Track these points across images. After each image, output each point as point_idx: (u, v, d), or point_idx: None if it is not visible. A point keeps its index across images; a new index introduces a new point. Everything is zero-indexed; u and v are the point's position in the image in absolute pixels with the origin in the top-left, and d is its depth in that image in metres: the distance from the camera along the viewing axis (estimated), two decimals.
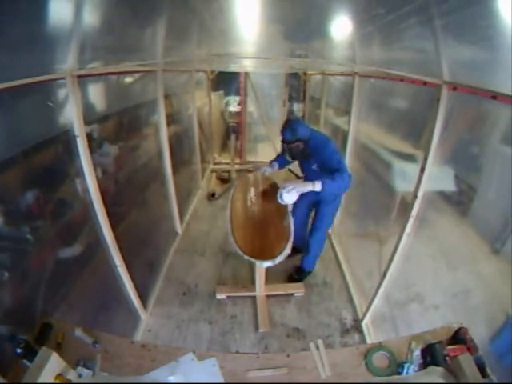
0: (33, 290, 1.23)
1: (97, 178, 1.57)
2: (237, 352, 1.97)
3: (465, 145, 1.54)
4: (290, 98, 5.23)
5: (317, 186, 1.86)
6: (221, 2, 1.58)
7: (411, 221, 1.64)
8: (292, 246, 1.83)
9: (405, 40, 1.61)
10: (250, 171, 3.76)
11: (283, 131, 2.04)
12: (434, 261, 1.67)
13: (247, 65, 3.76)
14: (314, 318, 2.27)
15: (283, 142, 2.08)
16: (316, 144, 2.04)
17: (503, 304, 1.17)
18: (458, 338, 1.13)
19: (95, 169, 1.56)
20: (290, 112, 5.54)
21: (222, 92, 5.57)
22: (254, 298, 2.39)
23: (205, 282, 2.59)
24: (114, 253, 1.74)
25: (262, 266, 1.99)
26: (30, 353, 0.93)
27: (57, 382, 0.89)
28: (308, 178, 2.20)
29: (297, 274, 2.61)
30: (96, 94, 1.85)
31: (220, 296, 2.40)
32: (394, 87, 2.16)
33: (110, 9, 1.37)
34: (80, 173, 1.49)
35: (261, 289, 2.37)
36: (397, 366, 1.10)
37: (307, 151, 2.07)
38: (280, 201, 1.95)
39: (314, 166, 2.10)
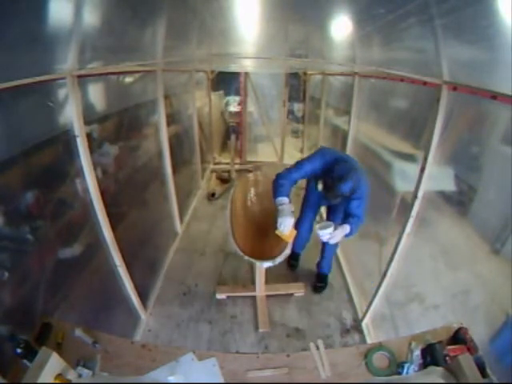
0: (33, 290, 1.23)
1: (97, 177, 1.57)
2: (237, 352, 1.97)
3: (465, 145, 1.54)
4: (290, 98, 5.23)
5: (348, 230, 1.81)
6: (221, 2, 1.58)
7: (411, 221, 1.64)
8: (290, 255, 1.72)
9: (405, 40, 1.62)
10: (249, 171, 3.76)
11: (344, 180, 1.67)
12: (434, 261, 1.67)
13: (247, 65, 3.77)
14: (314, 318, 2.27)
15: (330, 181, 1.72)
16: (358, 195, 1.83)
17: (503, 304, 1.17)
18: (458, 337, 1.13)
19: (95, 169, 1.56)
20: (290, 112, 5.55)
21: (222, 92, 5.58)
22: (253, 297, 2.39)
23: (205, 281, 2.59)
24: (114, 253, 1.74)
25: (262, 266, 1.99)
26: (30, 353, 0.92)
27: (57, 381, 0.89)
28: (316, 200, 2.23)
29: (320, 282, 2.53)
30: (96, 94, 1.85)
31: (220, 296, 2.40)
32: (394, 87, 2.16)
33: (110, 9, 1.37)
34: (80, 173, 1.49)
35: (261, 289, 2.37)
36: (397, 366, 1.10)
37: (337, 198, 1.81)
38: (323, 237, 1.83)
39: (335, 202, 1.90)
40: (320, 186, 1.82)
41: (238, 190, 2.51)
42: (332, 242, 1.82)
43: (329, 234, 1.77)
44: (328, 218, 2.23)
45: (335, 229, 1.77)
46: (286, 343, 2.08)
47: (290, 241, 1.84)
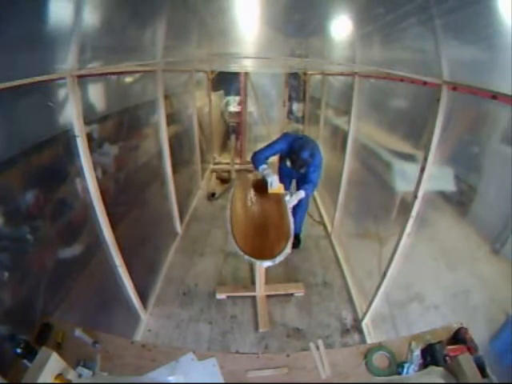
0: (33, 290, 1.23)
1: (97, 178, 1.57)
2: (237, 352, 1.97)
3: (465, 145, 1.54)
4: (290, 98, 5.23)
5: (303, 194, 2.46)
6: (221, 2, 1.58)
7: (411, 221, 1.64)
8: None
9: (405, 40, 1.61)
10: (249, 171, 3.77)
11: (303, 150, 2.36)
12: (434, 261, 1.67)
13: (247, 65, 3.76)
14: (314, 318, 2.27)
15: (295, 154, 2.38)
16: (314, 163, 2.48)
17: (503, 304, 1.17)
18: (458, 338, 1.13)
19: (95, 169, 1.56)
20: (290, 112, 5.55)
21: (221, 92, 5.57)
22: (253, 297, 2.39)
23: (205, 281, 2.59)
24: (114, 253, 1.74)
25: (262, 265, 1.99)
26: (30, 353, 0.92)
27: (57, 381, 0.89)
28: (288, 174, 2.74)
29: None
30: (96, 93, 1.85)
31: (220, 296, 2.40)
32: (394, 87, 2.16)
33: (110, 9, 1.37)
34: (80, 173, 1.49)
35: (261, 289, 2.37)
36: (397, 366, 1.10)
37: (306, 166, 2.47)
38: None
39: (302, 171, 2.52)
40: (288, 163, 2.54)
41: (238, 190, 2.51)
42: (290, 205, 2.32)
43: (286, 201, 2.28)
44: (297, 187, 2.74)
45: (290, 196, 2.37)
46: (286, 343, 2.08)
47: (282, 192, 2.36)
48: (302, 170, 2.47)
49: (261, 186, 2.55)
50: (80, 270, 1.54)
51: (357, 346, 1.31)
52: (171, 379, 1.07)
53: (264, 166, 2.43)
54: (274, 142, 2.62)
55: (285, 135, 2.69)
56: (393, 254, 1.76)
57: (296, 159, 2.40)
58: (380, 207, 2.29)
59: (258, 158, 2.48)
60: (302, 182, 2.58)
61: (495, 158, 1.34)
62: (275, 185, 2.33)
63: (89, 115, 1.56)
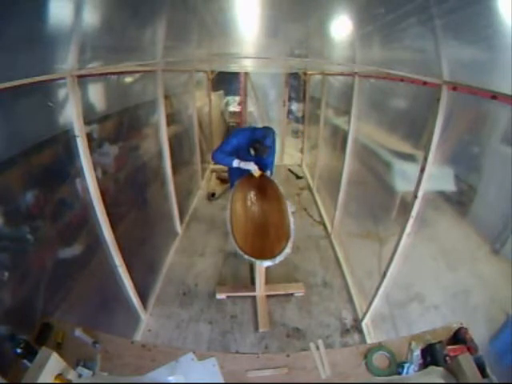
0: (33, 290, 1.23)
1: (97, 178, 1.57)
2: (237, 352, 1.97)
3: (465, 145, 1.54)
4: (290, 98, 5.24)
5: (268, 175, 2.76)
6: (221, 2, 1.58)
7: (411, 221, 1.64)
8: None
9: (405, 40, 1.62)
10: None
11: (267, 137, 2.51)
12: (434, 261, 1.67)
13: (247, 65, 3.77)
14: (314, 318, 2.27)
15: (258, 143, 2.55)
16: (273, 148, 2.77)
17: (503, 304, 1.17)
18: (458, 338, 1.13)
19: (95, 169, 1.56)
20: (290, 112, 5.56)
21: (221, 92, 5.58)
22: (253, 297, 2.39)
23: (205, 281, 2.59)
24: (114, 253, 1.74)
25: (262, 265, 1.99)
26: (30, 353, 0.92)
27: (57, 381, 0.89)
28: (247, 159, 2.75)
29: None
30: (96, 93, 1.85)
31: (220, 296, 2.40)
32: (393, 87, 2.16)
33: (110, 9, 1.37)
34: (80, 173, 1.49)
35: (261, 289, 2.37)
36: (397, 366, 1.10)
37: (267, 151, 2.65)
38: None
39: (264, 156, 2.66)
40: (252, 152, 2.62)
41: (238, 190, 2.51)
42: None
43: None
44: None
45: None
46: (286, 343, 2.08)
47: (264, 172, 2.63)
48: (265, 156, 2.64)
49: (249, 180, 2.63)
50: (80, 270, 1.55)
51: (357, 345, 1.31)
52: (171, 379, 1.07)
53: (236, 161, 2.52)
54: (230, 138, 2.69)
55: (237, 130, 2.96)
56: (393, 254, 1.76)
57: (259, 147, 2.54)
58: (380, 207, 2.29)
59: (222, 157, 2.54)
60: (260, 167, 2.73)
61: (495, 158, 1.34)
62: (256, 169, 2.56)
63: (89, 115, 1.56)
